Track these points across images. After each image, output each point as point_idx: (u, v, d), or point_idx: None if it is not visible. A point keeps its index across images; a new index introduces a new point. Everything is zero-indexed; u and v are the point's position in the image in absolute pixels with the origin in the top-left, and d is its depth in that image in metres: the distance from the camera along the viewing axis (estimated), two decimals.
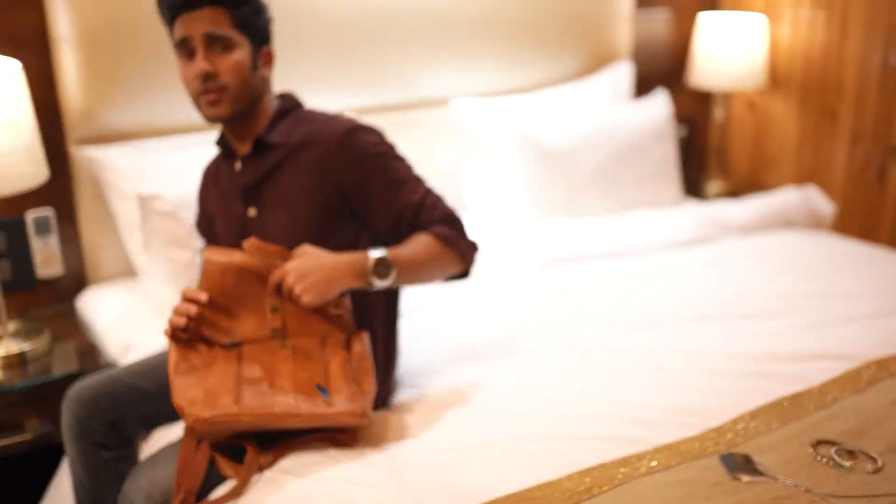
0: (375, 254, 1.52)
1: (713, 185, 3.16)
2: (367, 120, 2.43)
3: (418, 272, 1.58)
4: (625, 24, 2.97)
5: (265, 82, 1.67)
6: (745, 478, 1.35)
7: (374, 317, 1.65)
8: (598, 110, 2.67)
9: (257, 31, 1.63)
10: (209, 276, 1.51)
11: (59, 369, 1.95)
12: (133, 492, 1.48)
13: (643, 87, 3.07)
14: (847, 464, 1.39)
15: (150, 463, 1.51)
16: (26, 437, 1.88)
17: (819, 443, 1.45)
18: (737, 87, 3.01)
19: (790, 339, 1.82)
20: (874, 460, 1.40)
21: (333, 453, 1.45)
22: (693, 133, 3.35)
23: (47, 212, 2.20)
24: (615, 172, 2.57)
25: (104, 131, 2.19)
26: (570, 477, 1.36)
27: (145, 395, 1.66)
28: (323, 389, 1.43)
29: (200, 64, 1.57)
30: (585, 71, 2.92)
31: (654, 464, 1.39)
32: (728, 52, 2.95)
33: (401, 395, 1.68)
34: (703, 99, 3.29)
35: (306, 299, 1.46)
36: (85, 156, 2.17)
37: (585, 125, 2.55)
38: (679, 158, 2.92)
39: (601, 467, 1.38)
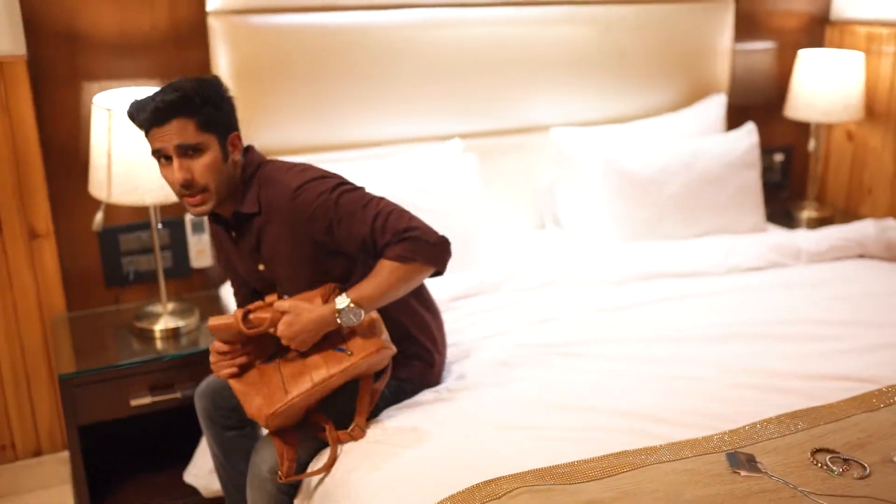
0: (340, 304, 1.73)
1: (808, 213, 3.30)
2: (476, 144, 2.80)
3: (388, 295, 1.78)
4: (724, 57, 3.18)
5: (237, 164, 1.84)
6: (744, 472, 1.60)
7: (401, 313, 1.93)
8: (684, 140, 2.90)
9: (221, 126, 1.79)
10: (233, 332, 1.78)
11: (204, 343, 2.39)
12: (259, 464, 1.85)
13: (742, 116, 3.26)
14: (838, 469, 1.61)
15: (268, 439, 1.90)
16: (176, 395, 2.33)
17: (818, 450, 1.67)
18: (833, 119, 3.15)
19: (821, 362, 2.03)
20: (864, 468, 1.61)
21: (406, 428, 1.80)
22: (791, 161, 3.51)
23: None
24: (696, 199, 2.79)
25: None
26: (593, 459, 1.65)
27: None
28: (342, 349, 1.75)
29: (178, 174, 1.75)
30: (684, 102, 3.15)
31: (666, 455, 1.66)
32: (827, 87, 3.10)
33: (471, 381, 2.00)
34: (803, 127, 3.44)
35: (301, 350, 1.76)
36: None
37: (669, 154, 2.79)
38: (776, 185, 3.10)
39: (621, 454, 1.66)
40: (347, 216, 1.79)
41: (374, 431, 1.81)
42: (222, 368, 1.80)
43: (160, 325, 2.42)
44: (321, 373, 1.74)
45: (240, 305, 2.02)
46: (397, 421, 1.83)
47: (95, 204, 2.43)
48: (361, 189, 1.85)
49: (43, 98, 2.40)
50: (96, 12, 2.40)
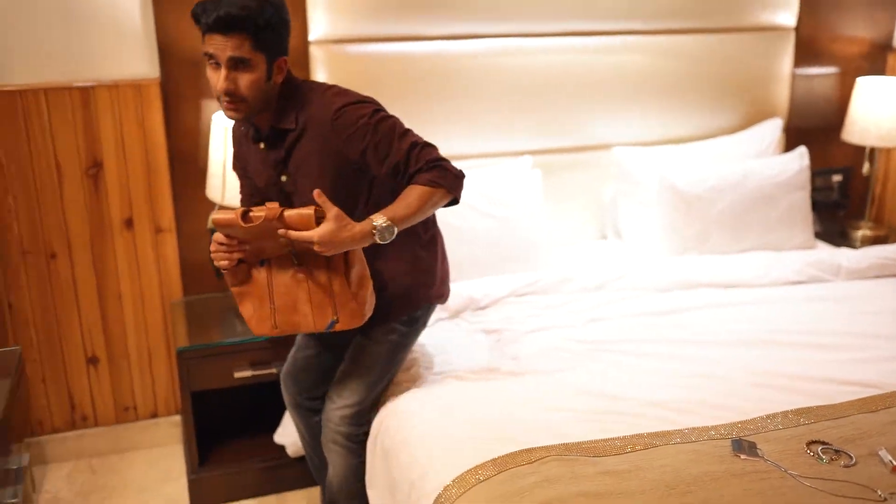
0: (378, 222, 1.87)
1: (863, 231, 3.47)
2: (545, 160, 3.10)
3: (415, 216, 1.94)
4: (783, 83, 3.40)
5: (276, 86, 1.97)
6: (743, 456, 1.87)
7: (415, 242, 2.15)
8: (736, 161, 3.14)
9: (273, 49, 1.92)
10: (234, 227, 1.90)
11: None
12: (327, 423, 2.25)
13: (800, 138, 3.47)
14: (826, 458, 1.86)
15: (332, 401, 2.25)
16: (272, 370, 2.72)
17: (813, 442, 1.92)
18: (889, 144, 3.32)
19: (836, 368, 2.27)
20: (850, 458, 1.86)
21: (461, 398, 2.13)
22: (849, 181, 3.68)
23: None
24: (745, 217, 3.03)
25: None
26: (614, 438, 1.94)
27: (317, 361, 2.35)
28: (334, 320, 2.01)
29: (223, 83, 1.89)
30: (742, 125, 3.38)
31: (678, 438, 1.94)
32: (882, 114, 3.27)
33: (521, 366, 2.31)
34: (861, 149, 3.60)
35: (325, 254, 1.89)
36: None
37: (720, 174, 3.03)
38: (834, 205, 3.28)
39: (639, 435, 1.95)
40: (385, 142, 1.95)
41: (432, 396, 2.15)
42: (221, 259, 1.97)
43: None
44: (308, 322, 2.02)
45: (243, 204, 2.23)
46: (454, 391, 2.17)
47: (210, 205, 2.85)
48: (395, 118, 2.00)
49: (171, 114, 2.83)
50: None
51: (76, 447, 2.99)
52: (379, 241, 1.89)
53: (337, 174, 2.00)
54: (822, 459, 1.86)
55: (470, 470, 1.83)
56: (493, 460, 1.85)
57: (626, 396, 2.14)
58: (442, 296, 2.30)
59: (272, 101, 1.99)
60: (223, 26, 1.85)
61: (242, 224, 1.88)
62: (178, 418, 3.07)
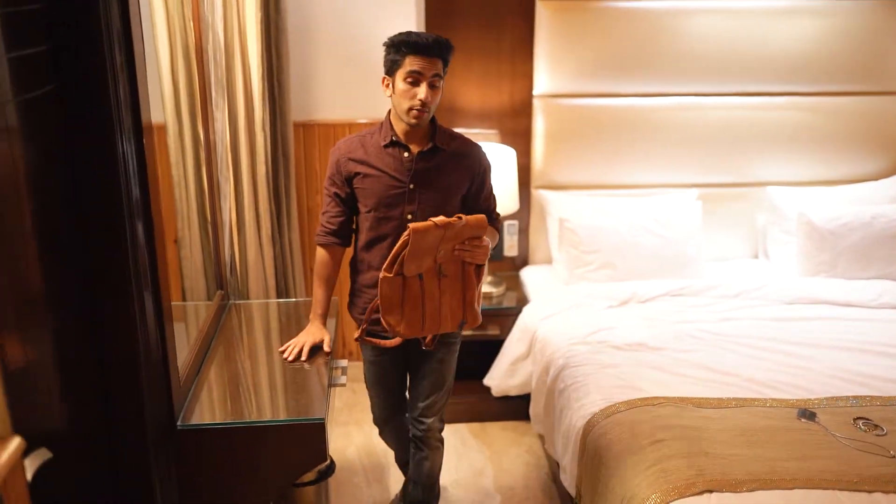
0: (491, 245, 2.50)
1: None
2: (708, 192, 3.97)
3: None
4: None
5: None
6: (803, 420, 2.71)
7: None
8: (870, 205, 3.84)
9: (445, 74, 2.46)
10: (415, 237, 2.29)
11: (507, 303, 3.84)
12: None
13: None
14: (865, 428, 2.66)
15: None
16: (487, 332, 3.80)
17: (858, 418, 2.72)
18: None
19: None
20: (883, 430, 2.65)
21: (613, 359, 3.10)
22: None
23: (514, 222, 4.11)
24: (871, 251, 3.72)
25: (550, 183, 4.03)
26: (713, 398, 2.83)
27: (399, 391, 2.88)
28: (463, 321, 2.53)
29: (423, 96, 2.37)
30: (882, 174, 4.05)
31: (759, 403, 2.81)
32: None
33: (658, 343, 3.22)
34: None
35: (476, 262, 2.45)
36: (538, 194, 4.03)
37: (852, 214, 3.75)
38: None
39: (731, 398, 2.82)
40: (488, 186, 2.65)
41: (595, 359, 3.12)
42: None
43: (482, 289, 3.92)
44: (446, 325, 2.50)
45: (330, 223, 2.62)
46: (612, 356, 3.12)
47: None
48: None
49: None
50: (467, 94, 3.92)
51: None
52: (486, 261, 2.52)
53: (456, 192, 2.57)
54: (861, 429, 2.66)
55: (611, 405, 2.81)
56: (626, 401, 2.81)
57: (731, 373, 3.01)
58: None
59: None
60: (434, 51, 2.38)
61: (436, 225, 2.31)
62: None
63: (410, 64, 2.38)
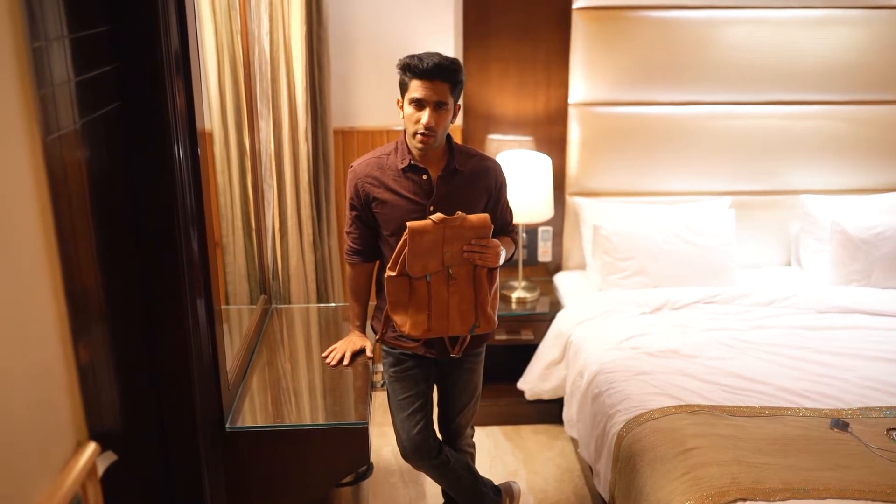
0: (503, 251, 2.49)
1: None
2: (741, 200, 3.99)
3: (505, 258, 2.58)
4: None
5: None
6: (836, 431, 2.74)
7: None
8: None
9: (457, 96, 2.42)
10: (413, 236, 2.33)
11: (540, 308, 3.90)
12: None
13: None
14: (894, 438, 2.69)
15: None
16: (521, 337, 3.86)
17: (892, 429, 2.74)
18: None
19: None
20: None
21: (646, 367, 3.14)
22: None
23: (548, 228, 4.16)
24: None
25: (584, 190, 4.08)
26: (746, 406, 2.87)
27: (427, 420, 2.72)
28: (475, 325, 2.48)
29: (427, 119, 2.35)
30: None
31: (792, 414, 2.84)
32: None
33: (691, 351, 3.26)
34: None
35: (487, 265, 2.42)
36: (572, 201, 4.08)
37: (886, 224, 3.75)
38: None
39: (765, 407, 2.86)
40: (504, 194, 2.65)
41: (629, 364, 3.16)
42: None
43: (516, 294, 3.97)
44: (455, 327, 2.47)
45: (355, 243, 2.63)
46: (645, 362, 3.16)
47: None
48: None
49: None
50: (503, 102, 3.98)
51: None
52: (498, 265, 2.50)
53: (475, 208, 2.54)
54: (894, 440, 2.69)
55: (645, 412, 2.85)
56: (661, 408, 2.86)
57: (763, 381, 3.04)
58: None
59: (443, 139, 2.49)
60: (436, 75, 2.34)
61: (434, 222, 2.34)
62: None
63: (414, 89, 2.38)
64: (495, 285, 2.50)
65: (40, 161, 1.17)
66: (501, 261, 2.52)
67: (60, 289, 1.21)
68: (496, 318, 2.53)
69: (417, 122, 2.40)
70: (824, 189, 4.07)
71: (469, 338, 2.55)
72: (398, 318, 2.45)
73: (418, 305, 2.43)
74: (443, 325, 2.46)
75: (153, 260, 1.89)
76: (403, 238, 2.36)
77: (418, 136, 2.41)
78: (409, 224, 2.34)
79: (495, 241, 2.45)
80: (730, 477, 2.41)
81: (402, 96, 2.45)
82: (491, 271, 2.47)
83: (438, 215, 2.35)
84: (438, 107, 2.39)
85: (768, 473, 2.43)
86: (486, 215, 2.42)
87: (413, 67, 2.37)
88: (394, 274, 2.40)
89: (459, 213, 2.38)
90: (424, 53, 2.39)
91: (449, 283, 2.42)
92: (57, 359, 1.20)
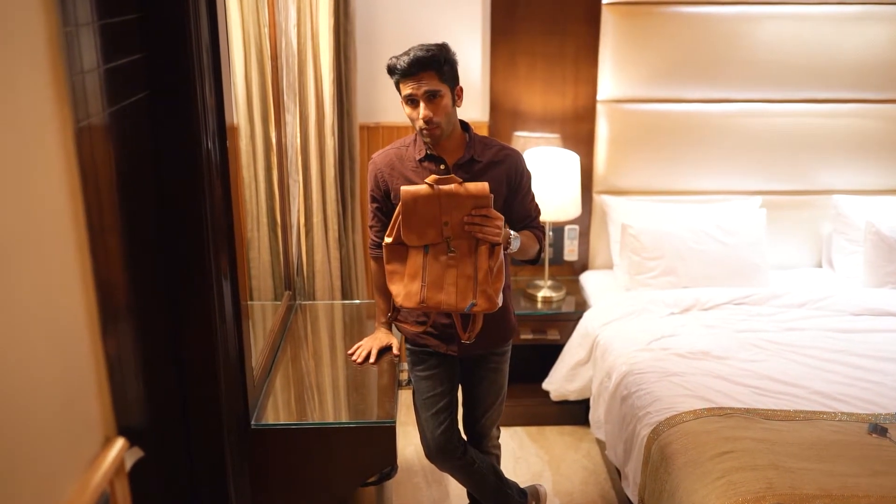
0: (513, 234, 2.43)
1: None
2: (772, 200, 3.92)
3: (524, 251, 2.53)
4: None
5: (456, 113, 2.48)
6: (874, 436, 2.67)
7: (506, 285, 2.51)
8: None
9: (452, 79, 2.41)
10: (406, 200, 2.29)
11: (566, 308, 3.84)
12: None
13: None
14: None
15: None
16: (547, 336, 3.80)
17: None
18: None
19: None
20: None
21: (677, 368, 3.08)
22: None
23: (575, 227, 4.10)
24: None
25: (612, 188, 4.02)
26: (780, 410, 2.80)
27: (452, 419, 2.71)
28: (473, 303, 2.34)
29: (423, 112, 2.36)
30: None
31: (827, 418, 2.77)
32: None
33: (722, 353, 3.19)
34: None
35: (488, 239, 2.31)
36: (600, 199, 4.02)
37: None
38: None
39: (799, 411, 2.79)
40: (529, 193, 2.62)
41: (658, 366, 3.10)
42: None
43: (542, 293, 3.92)
44: (450, 301, 2.35)
45: (377, 236, 2.61)
46: (676, 364, 3.10)
47: None
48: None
49: None
50: (530, 98, 3.93)
51: None
52: (505, 244, 2.37)
53: (496, 197, 2.46)
54: None
55: (676, 414, 2.79)
56: (692, 411, 2.80)
57: (797, 384, 2.97)
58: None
59: (456, 126, 2.51)
60: (418, 67, 2.35)
61: (431, 189, 2.28)
62: None
63: (403, 88, 2.41)
64: (498, 263, 2.36)
65: (72, 148, 1.14)
66: (513, 245, 2.45)
67: (90, 282, 1.17)
68: (499, 300, 2.38)
69: (417, 118, 2.42)
70: (858, 189, 3.99)
71: (480, 322, 2.42)
72: (394, 288, 2.40)
73: (412, 275, 2.38)
74: (436, 298, 2.36)
75: (180, 254, 1.86)
76: (399, 204, 2.34)
77: (423, 130, 2.43)
78: (402, 188, 2.33)
79: (498, 213, 2.35)
80: (766, 482, 2.35)
81: (400, 97, 2.47)
82: (493, 247, 2.35)
83: (433, 177, 2.32)
84: (431, 97, 2.39)
85: (805, 479, 2.37)
86: (484, 183, 2.33)
87: (395, 68, 2.40)
88: (390, 240, 2.37)
89: (454, 176, 2.35)
90: (405, 51, 2.40)
91: (448, 256, 2.36)
92: (87, 352, 1.16)
